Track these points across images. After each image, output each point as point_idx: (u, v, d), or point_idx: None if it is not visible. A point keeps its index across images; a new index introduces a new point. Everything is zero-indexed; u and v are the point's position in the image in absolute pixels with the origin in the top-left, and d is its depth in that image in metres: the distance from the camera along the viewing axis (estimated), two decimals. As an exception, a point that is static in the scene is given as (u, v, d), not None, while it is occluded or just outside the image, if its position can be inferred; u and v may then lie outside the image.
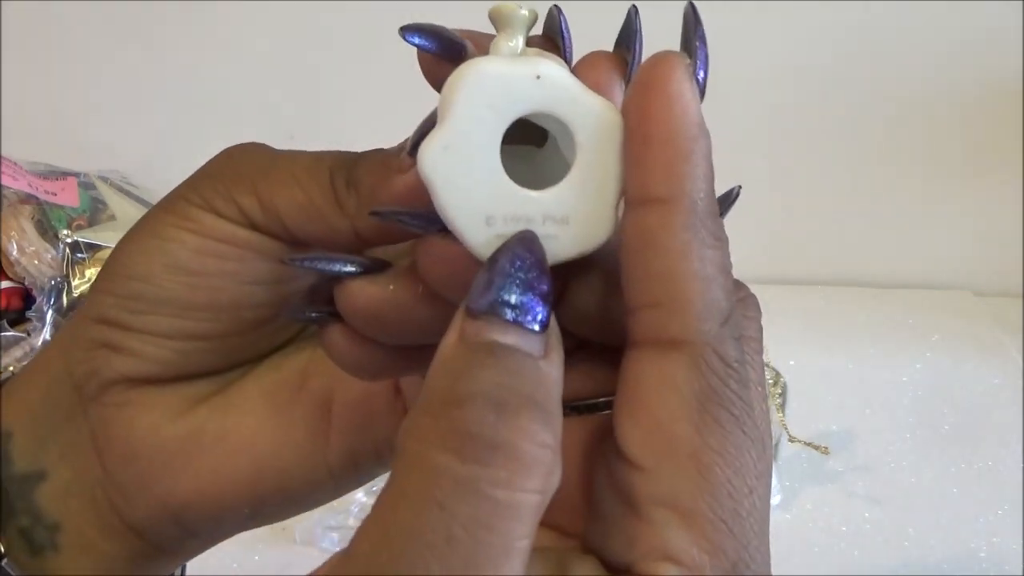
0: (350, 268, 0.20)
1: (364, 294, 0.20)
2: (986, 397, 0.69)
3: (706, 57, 0.18)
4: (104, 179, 0.73)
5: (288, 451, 0.25)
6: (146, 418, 0.24)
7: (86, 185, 0.70)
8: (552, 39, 0.22)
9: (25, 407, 0.24)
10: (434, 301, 0.20)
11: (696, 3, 0.19)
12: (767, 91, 0.74)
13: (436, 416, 0.15)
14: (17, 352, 0.59)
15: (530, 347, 0.16)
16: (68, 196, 0.67)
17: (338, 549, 0.58)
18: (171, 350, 0.24)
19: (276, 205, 0.23)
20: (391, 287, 0.20)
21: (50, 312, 0.60)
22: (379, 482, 0.65)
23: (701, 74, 0.18)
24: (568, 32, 0.22)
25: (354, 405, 0.25)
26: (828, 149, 0.78)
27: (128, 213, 0.70)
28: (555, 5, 0.23)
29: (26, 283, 0.62)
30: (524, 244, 0.18)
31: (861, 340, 0.74)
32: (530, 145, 0.21)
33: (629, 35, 0.21)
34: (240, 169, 0.24)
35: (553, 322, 0.17)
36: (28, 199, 0.64)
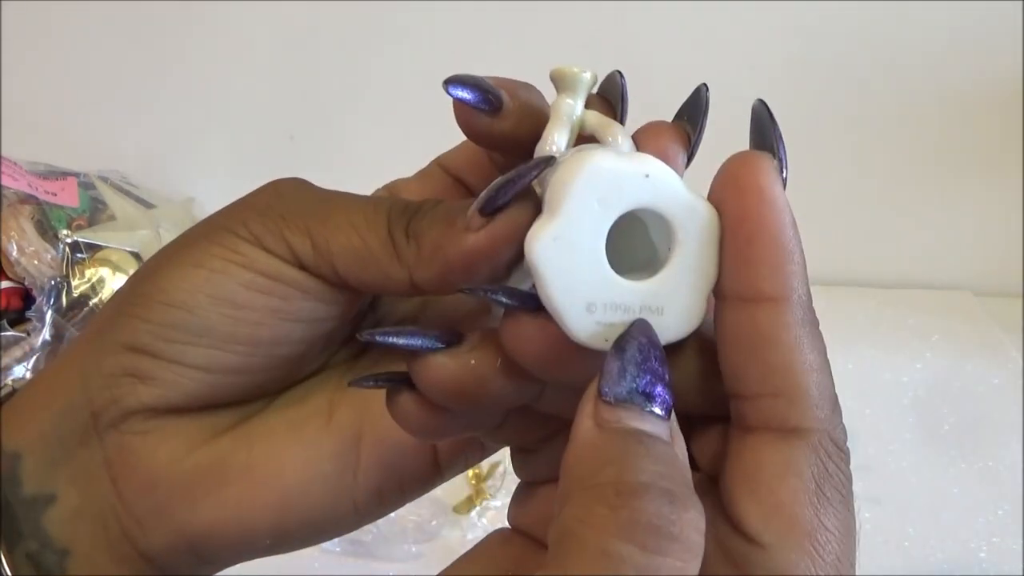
0: (430, 343, 0.21)
1: (447, 369, 0.20)
2: (986, 397, 0.69)
3: (786, 155, 0.19)
4: (104, 179, 0.73)
5: (316, 486, 0.25)
6: (167, 447, 0.24)
7: (86, 185, 0.70)
8: (609, 101, 0.23)
9: (36, 429, 0.24)
10: (512, 372, 0.20)
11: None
12: (765, 91, 0.74)
13: (614, 507, 0.16)
14: (17, 352, 0.59)
15: (662, 433, 0.18)
16: (68, 196, 0.67)
17: (338, 549, 0.58)
18: (202, 382, 0.24)
19: (330, 249, 0.23)
20: (472, 361, 0.21)
21: (50, 312, 0.60)
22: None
23: (785, 173, 0.19)
24: (626, 97, 0.23)
25: (384, 443, 0.25)
26: (827, 149, 0.78)
27: (128, 213, 0.70)
28: (618, 71, 0.23)
29: (26, 283, 0.62)
30: (646, 333, 0.19)
31: (861, 340, 0.74)
32: None
33: (696, 110, 0.21)
34: (292, 208, 0.24)
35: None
36: (28, 199, 0.64)
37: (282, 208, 0.24)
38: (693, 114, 0.21)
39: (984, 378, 0.70)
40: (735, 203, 0.19)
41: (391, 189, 0.28)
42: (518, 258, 0.21)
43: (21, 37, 0.77)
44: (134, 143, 0.81)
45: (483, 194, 0.21)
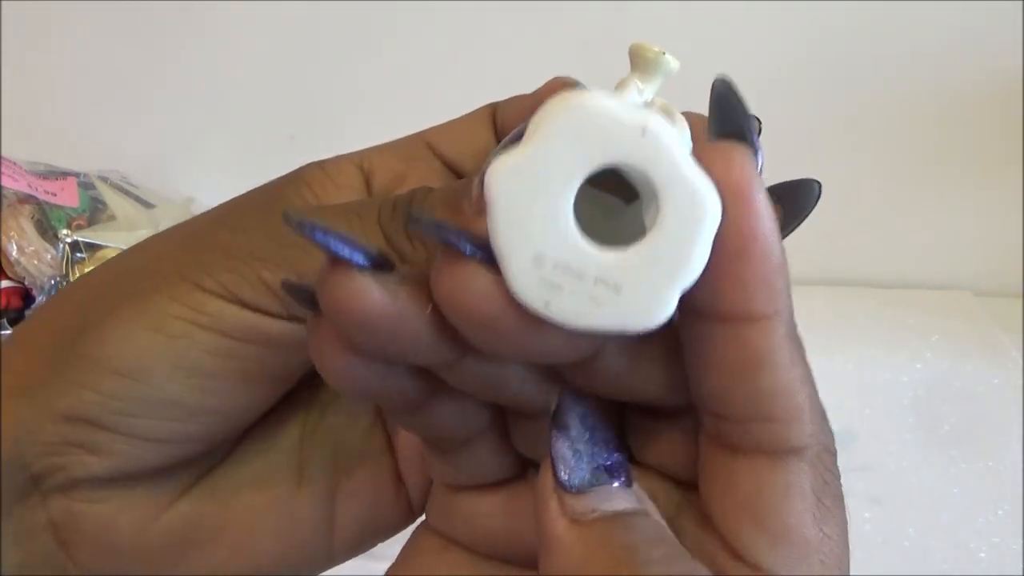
0: (359, 257, 0.16)
1: (368, 295, 0.16)
2: (986, 397, 0.68)
3: (759, 140, 0.17)
4: (104, 179, 0.73)
5: (292, 549, 0.23)
6: (128, 516, 0.21)
7: (86, 185, 0.70)
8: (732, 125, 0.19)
9: None
10: (438, 325, 0.16)
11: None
12: (764, 90, 0.74)
13: None
14: (17, 352, 0.59)
15: (635, 504, 0.16)
16: (68, 196, 0.67)
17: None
18: (162, 453, 0.21)
19: None
20: (400, 296, 0.16)
21: (50, 312, 0.60)
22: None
23: (760, 161, 0.17)
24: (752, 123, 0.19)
25: (358, 499, 0.24)
26: (827, 149, 0.78)
27: (128, 213, 0.70)
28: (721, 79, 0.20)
29: (26, 283, 0.62)
30: (577, 401, 0.17)
31: (861, 340, 0.74)
32: (620, 199, 0.19)
33: (797, 201, 0.19)
34: (262, 241, 0.20)
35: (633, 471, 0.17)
36: (28, 199, 0.64)
37: (250, 243, 0.20)
38: (792, 204, 0.19)
39: (984, 378, 0.70)
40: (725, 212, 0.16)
41: (363, 161, 0.24)
42: None
43: (21, 37, 0.77)
44: (134, 143, 0.81)
45: (487, 161, 0.17)
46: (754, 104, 0.20)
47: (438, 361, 0.17)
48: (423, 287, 0.16)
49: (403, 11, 0.73)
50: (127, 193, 0.73)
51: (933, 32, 0.72)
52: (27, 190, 0.65)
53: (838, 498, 0.18)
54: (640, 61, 0.20)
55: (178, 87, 0.80)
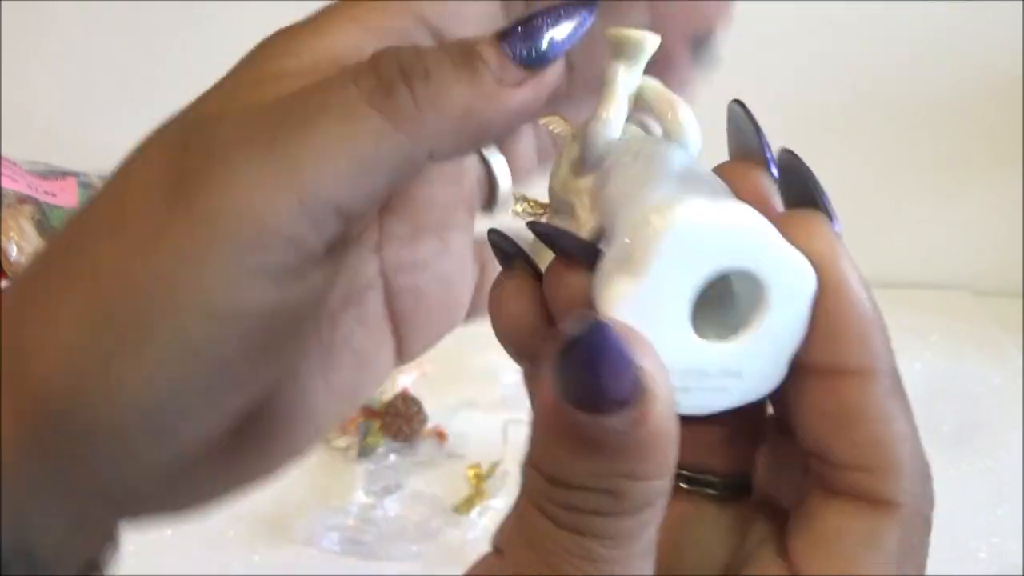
0: (585, 257, 0.17)
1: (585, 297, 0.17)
2: (986, 397, 0.69)
3: (834, 211, 0.18)
4: (104, 179, 0.73)
5: None
6: None
7: (86, 185, 0.70)
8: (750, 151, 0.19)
9: None
10: None
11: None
12: (765, 90, 0.74)
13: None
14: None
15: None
16: (68, 196, 0.67)
17: (338, 549, 0.57)
18: None
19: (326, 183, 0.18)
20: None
21: (50, 312, 0.60)
22: (380, 482, 0.64)
23: (838, 227, 0.18)
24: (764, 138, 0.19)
25: None
26: (826, 148, 0.78)
27: (128, 213, 0.70)
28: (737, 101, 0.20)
29: (26, 283, 0.62)
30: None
31: (861, 340, 0.74)
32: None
33: (807, 190, 0.19)
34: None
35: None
36: (28, 199, 0.64)
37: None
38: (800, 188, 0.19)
39: (984, 378, 0.70)
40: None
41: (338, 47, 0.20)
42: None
43: (21, 37, 0.77)
44: (134, 143, 0.81)
45: (520, 40, 0.18)
46: (754, 104, 0.20)
47: None
48: None
49: (403, 11, 0.73)
50: (127, 193, 0.73)
51: (933, 32, 0.72)
52: (27, 190, 0.65)
53: (920, 568, 0.18)
54: (624, 47, 0.20)
55: (177, 87, 0.79)
